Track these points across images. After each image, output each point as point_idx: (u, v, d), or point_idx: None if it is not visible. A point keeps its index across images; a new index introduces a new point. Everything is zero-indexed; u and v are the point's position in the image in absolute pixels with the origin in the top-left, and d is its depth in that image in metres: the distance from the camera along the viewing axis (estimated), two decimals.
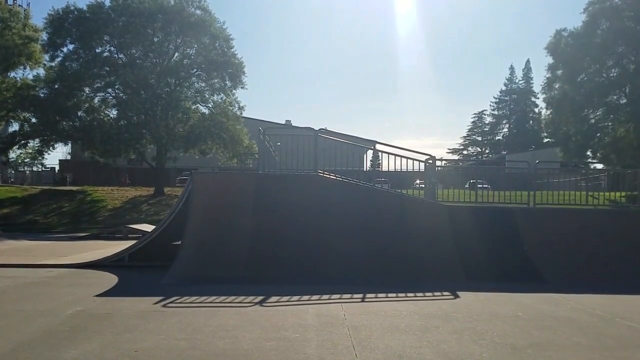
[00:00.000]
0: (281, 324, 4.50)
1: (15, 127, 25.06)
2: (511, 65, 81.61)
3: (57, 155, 40.64)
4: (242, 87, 24.77)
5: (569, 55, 23.16)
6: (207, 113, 25.07)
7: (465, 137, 75.48)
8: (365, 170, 11.83)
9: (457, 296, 5.88)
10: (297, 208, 7.61)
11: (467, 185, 11.64)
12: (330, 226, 7.42)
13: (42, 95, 22.51)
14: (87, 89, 23.08)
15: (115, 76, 22.35)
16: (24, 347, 3.75)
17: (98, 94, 23.75)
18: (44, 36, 22.48)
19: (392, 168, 8.81)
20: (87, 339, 3.98)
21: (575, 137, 23.89)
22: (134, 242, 8.70)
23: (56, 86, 21.95)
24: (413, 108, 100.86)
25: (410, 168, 8.54)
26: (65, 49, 22.82)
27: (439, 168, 9.55)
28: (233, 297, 5.58)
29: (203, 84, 25.03)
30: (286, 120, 41.80)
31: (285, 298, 5.60)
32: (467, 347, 3.87)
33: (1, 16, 21.22)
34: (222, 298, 5.55)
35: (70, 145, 34.86)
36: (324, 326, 4.43)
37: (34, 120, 23.30)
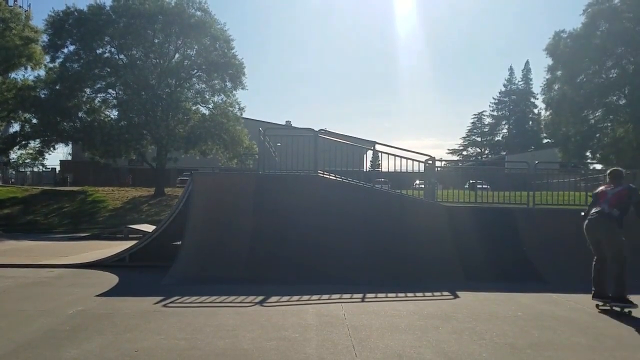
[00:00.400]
0: (281, 323, 4.51)
1: (16, 127, 25.13)
2: (510, 66, 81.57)
3: (57, 155, 40.70)
4: (242, 88, 24.83)
5: (568, 57, 23.22)
6: (207, 114, 25.12)
7: (464, 137, 75.56)
8: (365, 170, 11.85)
9: (456, 296, 5.89)
10: (297, 208, 7.62)
11: (466, 186, 11.65)
12: (330, 226, 7.43)
13: (42, 96, 22.56)
14: (87, 90, 23.13)
15: (116, 77, 22.40)
16: (25, 347, 3.77)
17: (99, 95, 23.81)
18: (45, 38, 22.51)
19: (392, 168, 8.83)
20: (87, 338, 3.99)
21: (575, 137, 23.94)
22: (134, 242, 8.71)
23: (57, 87, 22.00)
24: (413, 108, 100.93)
25: (410, 168, 8.56)
26: (65, 50, 22.87)
27: (439, 168, 9.57)
28: (233, 297, 5.59)
29: (203, 85, 25.08)
30: (286, 121, 41.87)
31: (286, 298, 5.61)
32: (467, 346, 3.89)
33: (2, 17, 21.24)
34: (222, 298, 5.56)
35: (70, 145, 34.93)
36: (324, 326, 4.44)
37: (34, 120, 23.34)
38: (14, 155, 25.24)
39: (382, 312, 4.98)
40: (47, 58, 22.81)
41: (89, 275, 7.25)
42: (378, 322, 4.60)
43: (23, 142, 23.95)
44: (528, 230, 7.77)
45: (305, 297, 5.64)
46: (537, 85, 67.35)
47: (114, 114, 24.25)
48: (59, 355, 3.59)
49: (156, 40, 23.48)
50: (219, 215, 7.56)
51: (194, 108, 24.91)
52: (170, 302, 5.38)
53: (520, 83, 71.56)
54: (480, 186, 9.84)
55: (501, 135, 74.07)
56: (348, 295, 5.73)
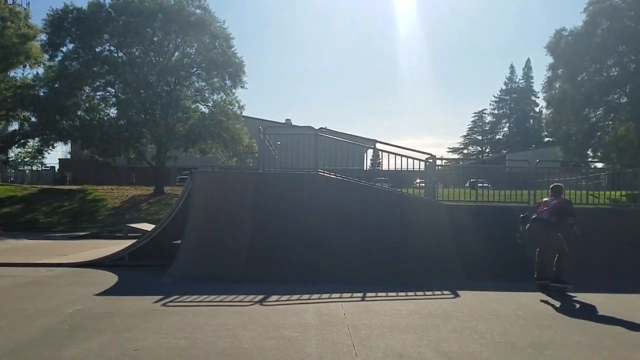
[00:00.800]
0: (281, 323, 4.50)
1: (15, 126, 25.09)
2: (511, 65, 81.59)
3: (56, 154, 40.91)
4: (242, 87, 24.81)
5: (569, 55, 23.15)
6: (207, 112, 25.09)
7: (465, 136, 75.51)
8: (365, 169, 11.83)
9: (457, 295, 5.88)
10: (297, 207, 7.60)
11: (467, 185, 11.64)
12: (330, 225, 7.42)
13: (42, 94, 22.50)
14: (87, 88, 23.09)
15: (115, 75, 22.35)
16: (25, 346, 3.75)
17: (98, 93, 23.77)
18: (43, 36, 22.46)
19: (392, 167, 8.81)
20: (87, 337, 3.98)
21: (576, 136, 23.89)
22: (133, 241, 8.70)
23: (56, 85, 21.95)
24: (413, 107, 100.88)
25: (410, 167, 8.54)
26: (64, 49, 22.81)
27: (439, 167, 9.55)
28: (233, 296, 5.58)
29: (203, 83, 25.04)
30: (286, 120, 41.84)
31: (285, 297, 5.59)
32: (467, 346, 3.87)
33: (1, 16, 21.19)
34: (222, 297, 5.55)
35: (70, 144, 34.87)
36: (324, 325, 4.43)
37: (33, 119, 23.30)
38: (12, 153, 25.23)
39: (383, 311, 4.97)
40: (46, 56, 22.76)
41: (89, 275, 7.24)
42: (378, 321, 4.59)
43: (22, 141, 23.92)
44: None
45: (305, 296, 5.63)
46: (538, 84, 67.39)
47: (113, 112, 24.23)
48: (58, 354, 3.57)
49: (156, 39, 23.43)
50: (218, 214, 7.55)
51: (193, 106, 24.88)
52: (170, 301, 5.37)
53: (521, 81, 71.49)
54: (480, 185, 9.82)
55: (502, 133, 74.04)
56: (348, 294, 5.72)
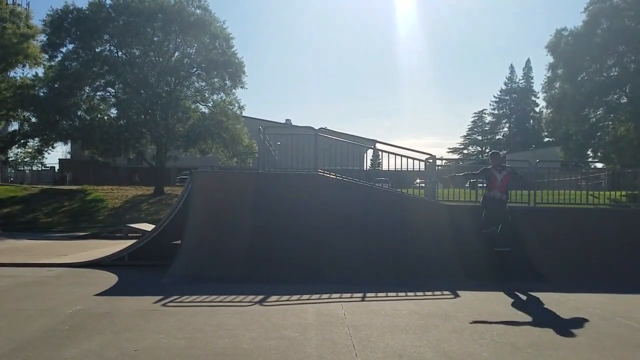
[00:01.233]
0: (281, 323, 4.50)
1: (15, 126, 25.08)
2: (511, 65, 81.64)
3: (56, 154, 40.87)
4: (242, 87, 24.82)
5: (569, 55, 23.15)
6: (207, 112, 25.09)
7: (465, 136, 75.53)
8: (365, 169, 11.83)
9: (457, 295, 5.88)
10: (297, 207, 7.60)
11: (467, 185, 11.63)
12: (330, 225, 7.41)
13: (41, 94, 22.50)
14: (87, 88, 23.09)
15: (115, 75, 22.36)
16: (24, 346, 3.75)
17: (98, 93, 23.76)
18: (43, 37, 22.46)
19: (392, 167, 8.81)
20: (87, 337, 3.98)
21: (576, 136, 23.90)
22: (133, 241, 8.70)
23: (56, 85, 21.95)
24: (413, 107, 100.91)
25: (410, 167, 8.54)
26: (64, 49, 22.81)
27: (439, 167, 9.54)
28: (233, 297, 5.58)
29: (203, 84, 25.04)
30: (286, 120, 41.84)
31: (285, 297, 5.59)
32: (468, 346, 3.87)
33: (2, 16, 21.20)
34: (222, 297, 5.55)
35: (70, 144, 34.88)
36: (324, 325, 4.43)
37: (33, 119, 23.30)
38: (12, 154, 25.23)
39: (382, 312, 4.96)
40: (46, 56, 22.76)
41: (88, 275, 7.24)
42: (378, 321, 4.59)
43: (22, 141, 23.93)
44: (528, 229, 7.75)
45: (305, 297, 5.62)
46: (538, 84, 67.37)
47: (113, 112, 24.24)
48: (58, 354, 3.57)
49: (156, 39, 23.43)
50: (218, 214, 7.54)
51: (193, 106, 24.88)
52: (170, 302, 5.37)
53: (521, 81, 71.50)
54: (480, 185, 9.82)
55: (502, 133, 74.05)
56: (348, 295, 5.71)
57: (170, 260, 7.12)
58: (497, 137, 74.02)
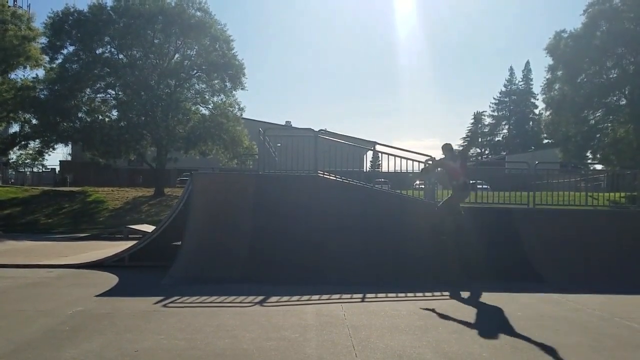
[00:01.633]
0: (281, 323, 4.51)
1: (15, 128, 25.13)
2: (511, 67, 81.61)
3: (57, 156, 40.71)
4: (242, 89, 24.84)
5: (568, 56, 23.21)
6: (207, 114, 25.13)
7: (465, 137, 75.47)
8: (365, 170, 11.84)
9: (457, 296, 5.89)
10: (297, 208, 7.61)
11: None
12: (330, 226, 7.43)
13: (42, 96, 22.55)
14: (87, 90, 23.13)
15: (116, 77, 22.41)
16: (25, 347, 3.76)
17: (98, 95, 23.81)
18: (44, 39, 22.52)
19: (392, 169, 8.83)
20: (87, 338, 3.99)
21: (575, 138, 23.93)
22: (134, 242, 8.71)
23: (57, 87, 22.00)
24: (413, 108, 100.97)
25: (410, 169, 8.56)
26: (65, 51, 22.87)
27: (439, 169, 9.55)
28: (233, 297, 5.59)
29: (203, 85, 25.09)
30: (286, 121, 41.91)
31: (285, 298, 5.60)
32: (467, 346, 3.88)
33: (3, 18, 21.27)
34: (222, 298, 5.56)
35: (70, 146, 34.91)
36: (324, 326, 4.44)
37: (34, 121, 23.34)
38: (13, 155, 25.26)
39: (382, 312, 4.97)
40: (47, 58, 22.82)
41: (89, 276, 7.25)
42: (378, 322, 4.60)
43: (23, 143, 23.96)
44: (528, 231, 7.77)
45: (305, 297, 5.63)
46: (537, 86, 67.40)
47: (113, 114, 24.28)
48: (58, 355, 3.58)
49: (156, 41, 23.49)
50: (218, 215, 7.56)
51: (193, 108, 24.93)
52: (170, 302, 5.38)
53: (520, 83, 71.60)
54: (480, 186, 9.84)
55: (501, 135, 74.11)
56: (348, 296, 5.72)
57: (170, 261, 7.13)
58: (497, 138, 74.08)
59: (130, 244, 8.77)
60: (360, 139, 9.49)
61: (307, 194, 7.78)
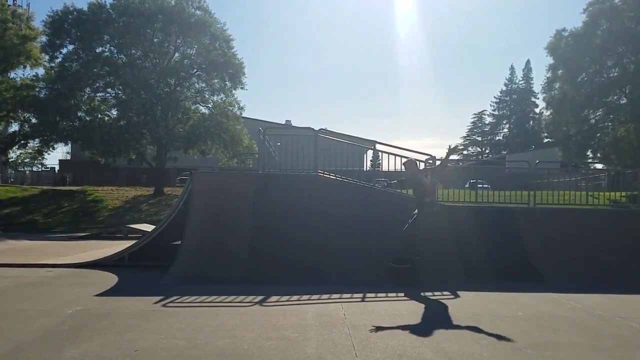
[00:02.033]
0: (281, 323, 4.50)
1: (15, 127, 25.11)
2: (511, 66, 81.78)
3: (57, 155, 40.79)
4: (242, 88, 24.82)
5: (569, 56, 23.19)
6: (207, 113, 25.12)
7: (465, 137, 75.55)
8: (365, 170, 11.83)
9: (457, 296, 5.88)
10: (297, 208, 7.60)
11: (467, 185, 11.65)
12: (330, 226, 7.42)
13: (42, 95, 22.53)
14: (87, 89, 23.11)
15: (115, 76, 22.38)
16: (24, 347, 3.75)
17: (98, 94, 23.78)
18: (43, 38, 22.49)
19: (392, 168, 8.82)
20: (87, 338, 3.98)
21: (576, 137, 23.93)
22: (134, 242, 8.70)
23: (56, 86, 21.97)
24: (413, 108, 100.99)
25: None
26: (64, 50, 22.84)
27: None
28: (233, 297, 5.58)
29: (203, 84, 25.07)
30: (286, 120, 41.88)
31: (285, 298, 5.59)
32: (468, 346, 3.87)
33: (3, 18, 21.25)
34: (222, 298, 5.55)
35: (70, 145, 34.89)
36: (324, 326, 4.43)
37: (34, 120, 23.33)
38: (13, 154, 25.25)
39: (382, 312, 4.96)
40: (47, 57, 22.79)
41: (89, 275, 7.24)
42: (378, 321, 4.59)
43: (22, 142, 23.95)
44: (528, 230, 7.76)
45: (305, 297, 5.63)
46: (538, 85, 67.44)
47: (113, 113, 24.25)
48: (58, 355, 3.57)
49: (156, 40, 23.46)
50: (218, 214, 7.55)
51: (193, 107, 24.91)
52: (170, 302, 5.37)
53: (521, 82, 71.60)
54: (480, 186, 9.84)
55: (502, 134, 74.11)
56: (348, 295, 5.71)
57: (170, 260, 7.12)
58: (497, 137, 74.10)
59: (129, 243, 8.76)
60: (361, 138, 9.48)
61: (307, 194, 7.77)
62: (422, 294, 5.94)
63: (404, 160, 7.08)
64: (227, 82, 24.48)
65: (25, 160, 25.89)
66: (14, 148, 24.41)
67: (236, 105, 25.07)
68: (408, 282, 6.31)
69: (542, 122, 35.94)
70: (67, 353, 3.61)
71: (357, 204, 7.78)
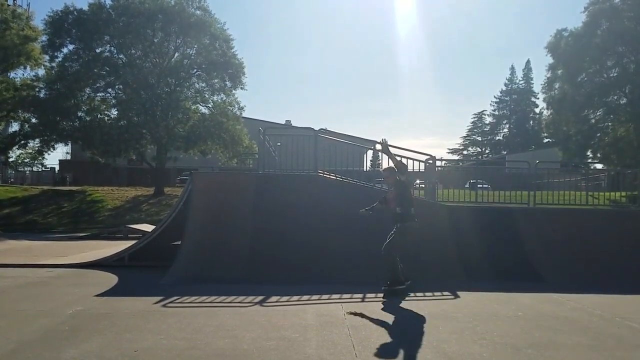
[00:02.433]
0: (281, 323, 4.50)
1: (15, 127, 25.13)
2: (512, 66, 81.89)
3: (57, 155, 40.77)
4: (242, 88, 24.82)
5: (569, 55, 23.20)
6: (207, 113, 25.13)
7: (465, 137, 75.60)
8: (365, 170, 11.84)
9: (457, 296, 5.88)
10: (297, 208, 7.60)
11: (467, 185, 11.65)
12: (330, 226, 7.41)
13: (42, 95, 22.54)
14: (87, 89, 23.12)
15: (116, 76, 22.40)
16: (24, 347, 3.75)
17: (98, 94, 23.79)
18: (44, 37, 22.50)
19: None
20: (87, 338, 3.98)
21: (576, 137, 23.93)
22: (134, 242, 8.70)
23: (56, 86, 21.98)
24: (413, 108, 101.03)
25: (410, 168, 8.53)
26: (65, 50, 22.85)
27: (439, 168, 9.56)
28: (233, 297, 5.58)
29: (203, 84, 25.07)
30: (286, 120, 41.87)
31: (285, 298, 5.59)
32: (468, 347, 3.87)
33: (3, 17, 21.25)
34: (222, 298, 5.55)
35: (70, 145, 34.89)
36: (324, 326, 4.43)
37: (34, 120, 23.33)
38: (13, 154, 25.25)
39: (382, 312, 4.96)
40: (47, 57, 22.79)
41: (88, 275, 7.24)
42: (378, 322, 4.59)
43: (22, 142, 23.96)
44: (528, 230, 7.76)
45: (305, 297, 5.63)
46: (538, 85, 67.44)
47: (113, 113, 24.26)
48: (58, 355, 3.57)
49: (156, 40, 23.46)
50: (218, 214, 7.55)
51: (193, 107, 24.91)
52: (170, 302, 5.37)
53: (521, 82, 71.63)
54: (480, 186, 9.84)
55: (502, 134, 74.12)
56: (348, 295, 5.71)
57: (170, 261, 7.12)
58: (497, 137, 74.11)
59: (130, 243, 8.76)
60: (361, 138, 9.48)
61: (307, 194, 7.77)
62: (422, 294, 5.94)
63: (385, 167, 6.18)
64: (227, 82, 24.48)
65: (26, 160, 25.89)
66: (14, 148, 24.42)
67: (236, 105, 25.10)
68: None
69: (542, 122, 35.97)
70: (67, 353, 3.61)
71: (357, 204, 7.77)
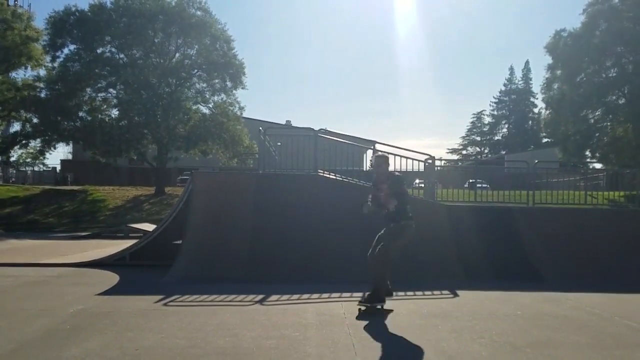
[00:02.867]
0: (281, 322, 4.52)
1: (16, 127, 25.16)
2: (511, 66, 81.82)
3: (58, 155, 40.72)
4: (242, 88, 24.85)
5: (568, 56, 23.20)
6: (207, 113, 25.15)
7: (464, 137, 75.59)
8: (365, 170, 11.85)
9: (456, 295, 5.90)
10: (298, 208, 7.63)
11: (466, 185, 11.67)
12: (330, 226, 7.43)
13: (43, 95, 22.57)
14: (88, 90, 23.16)
15: (117, 76, 22.42)
16: (25, 346, 3.78)
17: (99, 95, 23.83)
18: (45, 38, 22.53)
19: (391, 168, 8.82)
20: (88, 337, 4.00)
21: (574, 137, 23.93)
22: (135, 241, 8.73)
23: (57, 86, 22.01)
24: (413, 108, 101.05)
25: (409, 168, 8.57)
26: (66, 50, 22.88)
27: (439, 168, 9.58)
28: (233, 296, 5.60)
29: (204, 85, 25.11)
30: (286, 121, 41.89)
31: (286, 297, 5.61)
32: (467, 345, 3.89)
33: (4, 18, 21.28)
34: (222, 297, 5.57)
35: (71, 145, 34.91)
36: (324, 325, 4.45)
37: (35, 120, 23.36)
38: (14, 154, 25.27)
39: (382, 311, 4.98)
40: (48, 58, 22.82)
41: (90, 274, 7.26)
42: (378, 321, 4.61)
43: (24, 142, 23.98)
44: (527, 230, 7.78)
45: (306, 296, 5.65)
46: (537, 85, 67.37)
47: (114, 113, 24.30)
48: (59, 354, 3.60)
49: (157, 40, 23.49)
50: (219, 214, 7.57)
51: (194, 107, 24.94)
52: (171, 301, 5.40)
53: (520, 82, 71.66)
54: (479, 185, 9.86)
55: (501, 134, 74.13)
56: (348, 294, 5.73)
57: (171, 260, 7.15)
58: (496, 137, 74.12)
59: (131, 242, 8.79)
60: (360, 138, 9.51)
61: (307, 194, 7.79)
62: (421, 293, 5.97)
63: (376, 154, 5.29)
64: (227, 82, 24.51)
65: (27, 160, 25.89)
66: (16, 148, 24.44)
67: (237, 105, 25.13)
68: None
69: (541, 122, 35.98)
70: (68, 352, 3.63)
71: (357, 204, 7.79)
